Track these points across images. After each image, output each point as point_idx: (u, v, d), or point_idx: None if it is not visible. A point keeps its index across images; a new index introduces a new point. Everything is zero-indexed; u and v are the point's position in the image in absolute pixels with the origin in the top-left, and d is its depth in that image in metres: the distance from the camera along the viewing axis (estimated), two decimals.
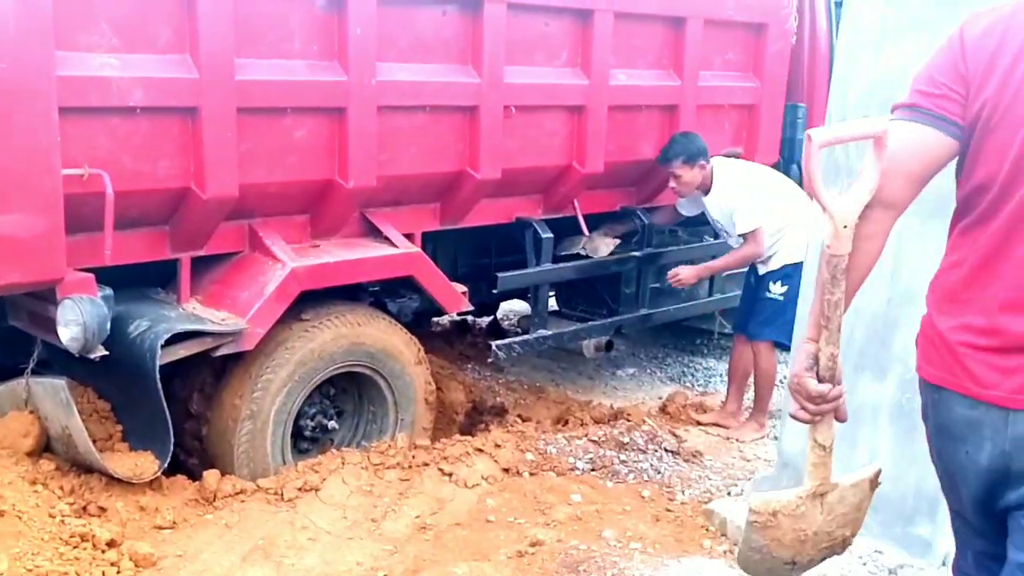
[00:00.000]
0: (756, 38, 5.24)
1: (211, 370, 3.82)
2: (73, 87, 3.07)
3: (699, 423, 5.06)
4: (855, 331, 3.52)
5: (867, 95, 3.41)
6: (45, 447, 3.49)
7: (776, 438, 4.68)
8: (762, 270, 4.85)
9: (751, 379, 5.13)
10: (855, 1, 3.43)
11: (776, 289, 4.78)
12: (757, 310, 4.89)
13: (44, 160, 3.03)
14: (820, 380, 2.11)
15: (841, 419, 2.20)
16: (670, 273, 4.98)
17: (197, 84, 3.33)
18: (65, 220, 3.12)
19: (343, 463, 3.82)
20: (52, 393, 3.35)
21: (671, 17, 4.80)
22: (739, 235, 4.81)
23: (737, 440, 4.87)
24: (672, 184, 4.87)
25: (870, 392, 3.49)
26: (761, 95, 5.34)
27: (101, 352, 3.27)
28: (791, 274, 4.63)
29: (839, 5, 5.57)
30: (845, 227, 2.03)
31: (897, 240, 3.30)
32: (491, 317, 6.42)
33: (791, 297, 4.56)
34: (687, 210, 5.17)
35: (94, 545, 3.03)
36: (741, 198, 4.74)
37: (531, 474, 4.05)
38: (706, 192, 4.86)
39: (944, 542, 3.36)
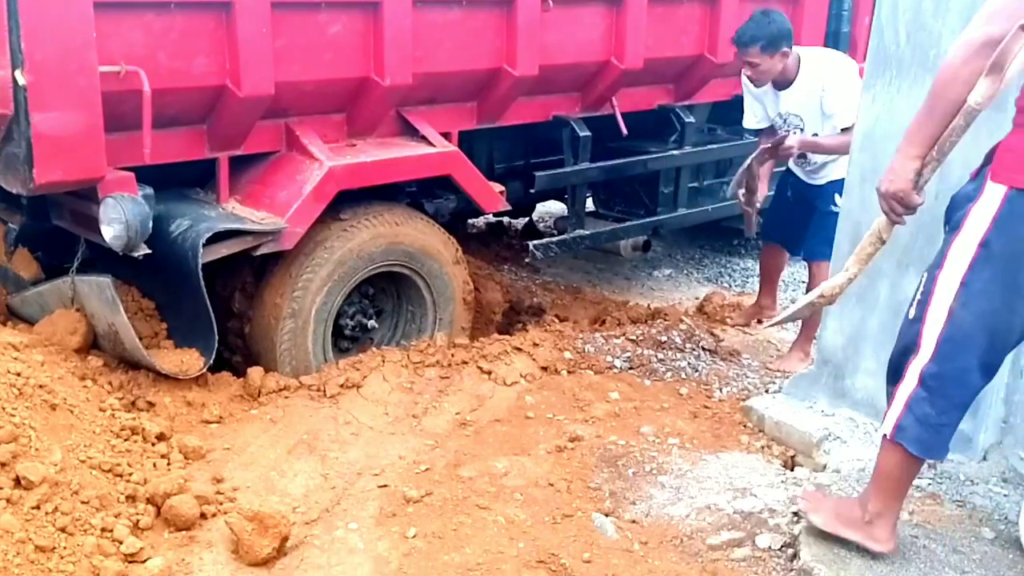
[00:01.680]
0: None
1: (252, 269, 3.85)
2: None
3: (734, 324, 5.02)
4: (899, 227, 3.46)
5: None
6: (92, 344, 3.56)
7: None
8: (821, 180, 4.47)
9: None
10: None
11: (839, 202, 4.45)
12: (821, 226, 4.39)
13: (81, 57, 3.01)
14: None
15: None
16: (776, 140, 4.34)
17: None
18: (103, 118, 3.11)
19: (384, 361, 3.87)
20: (97, 291, 3.40)
21: None
22: (842, 129, 4.28)
23: (783, 371, 4.49)
24: (746, 72, 4.34)
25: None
26: None
27: (144, 250, 3.30)
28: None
29: None
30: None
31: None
32: (527, 218, 6.39)
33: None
34: (756, 117, 4.65)
35: (144, 438, 3.11)
36: (848, 88, 4.22)
37: (569, 372, 4.08)
38: (786, 85, 4.35)
39: (984, 437, 3.36)
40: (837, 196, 4.24)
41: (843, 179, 4.11)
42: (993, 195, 2.40)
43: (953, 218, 2.58)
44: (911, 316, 2.63)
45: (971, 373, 2.49)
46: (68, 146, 3.06)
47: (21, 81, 2.93)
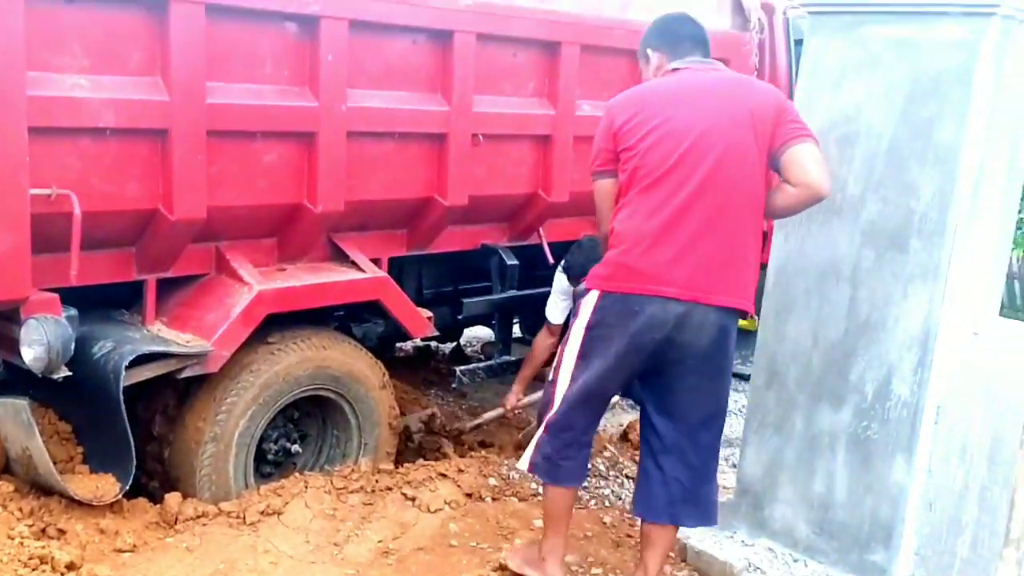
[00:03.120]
0: None
1: (174, 392, 3.81)
2: (43, 107, 3.08)
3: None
4: (813, 360, 3.59)
5: (826, 130, 3.50)
6: (4, 468, 3.46)
7: (735, 466, 4.74)
8: None
9: None
10: (815, 42, 3.53)
11: None
12: None
13: (12, 179, 3.03)
14: None
15: None
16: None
17: (168, 107, 3.35)
18: (31, 239, 3.11)
19: (306, 487, 3.82)
20: (13, 413, 3.33)
21: (635, 51, 4.88)
22: None
23: None
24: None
25: (827, 420, 3.56)
26: None
27: (65, 372, 3.25)
28: None
29: (799, 43, 5.71)
30: None
31: (853, 271, 3.42)
32: (455, 343, 6.45)
33: None
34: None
35: (53, 568, 3.00)
36: None
37: (494, 499, 4.07)
38: None
39: (898, 569, 3.43)
40: None
41: None
42: (592, 296, 3.19)
43: (574, 309, 3.49)
44: (549, 378, 3.40)
45: (579, 420, 3.29)
46: None
47: None
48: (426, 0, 3.98)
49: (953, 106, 3.21)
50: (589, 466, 4.48)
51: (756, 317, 5.70)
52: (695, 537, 3.86)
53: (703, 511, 3.33)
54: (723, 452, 5.14)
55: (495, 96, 4.39)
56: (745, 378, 5.81)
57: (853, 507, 3.52)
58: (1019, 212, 6.93)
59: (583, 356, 3.22)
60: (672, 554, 3.86)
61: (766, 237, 3.39)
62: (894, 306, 3.36)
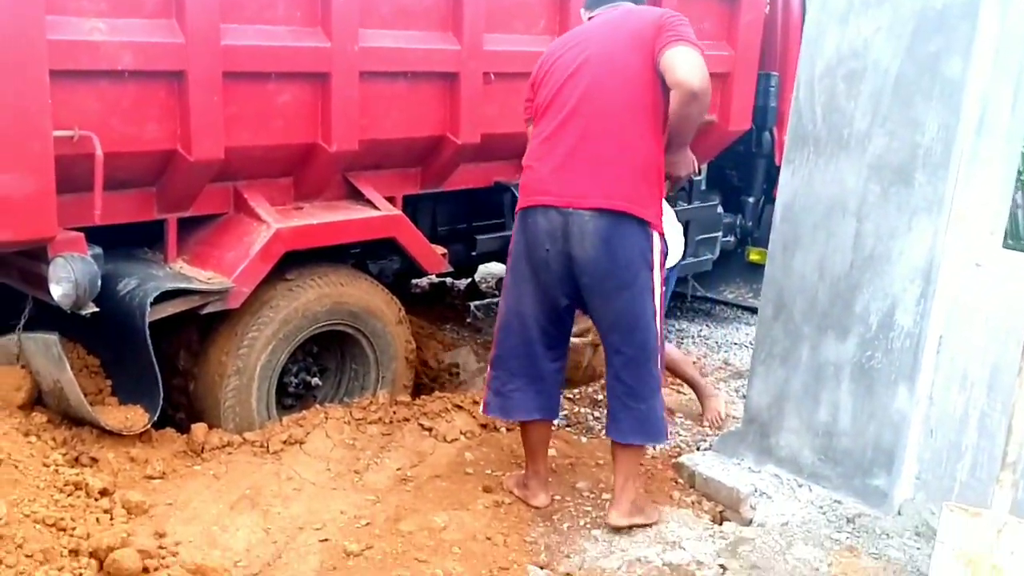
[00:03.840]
0: (730, 8, 5.34)
1: (197, 328, 3.93)
2: (63, 51, 3.15)
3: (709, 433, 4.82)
4: (819, 293, 3.68)
5: (834, 66, 3.55)
6: (37, 400, 3.60)
7: (744, 397, 4.85)
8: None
9: (686, 362, 5.01)
10: None
11: None
12: None
13: (35, 122, 3.11)
14: None
15: None
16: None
17: (183, 48, 3.41)
18: (56, 180, 3.20)
19: (326, 418, 3.95)
20: (44, 348, 3.46)
21: None
22: None
23: (715, 425, 4.72)
24: None
25: (832, 351, 3.66)
26: (735, 63, 5.44)
27: (92, 309, 3.37)
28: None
29: None
30: None
31: (859, 205, 3.48)
32: (470, 279, 6.54)
33: (669, 287, 4.62)
34: None
35: (87, 493, 3.15)
36: None
37: (508, 429, 4.20)
38: None
39: (899, 493, 3.55)
40: None
41: None
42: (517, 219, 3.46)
43: None
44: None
45: (513, 350, 3.50)
46: (21, 207, 3.14)
47: None
48: None
49: (959, 41, 3.24)
50: (601, 397, 4.61)
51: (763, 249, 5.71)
52: (703, 464, 3.99)
53: (641, 427, 3.41)
54: (733, 383, 5.31)
55: (506, 34, 4.42)
56: (754, 311, 5.91)
57: (856, 434, 3.63)
58: None
59: (507, 285, 3.53)
60: (681, 480, 3.99)
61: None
62: (899, 239, 3.43)
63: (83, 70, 3.24)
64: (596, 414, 4.50)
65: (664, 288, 4.38)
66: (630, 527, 3.48)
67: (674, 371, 4.88)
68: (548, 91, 3.37)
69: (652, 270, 3.33)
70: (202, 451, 3.66)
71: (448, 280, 6.48)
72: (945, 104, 3.27)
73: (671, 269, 4.53)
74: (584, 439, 4.29)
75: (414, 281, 6.08)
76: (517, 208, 3.46)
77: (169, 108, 3.47)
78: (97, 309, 3.38)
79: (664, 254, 3.42)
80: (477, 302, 4.90)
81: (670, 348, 4.86)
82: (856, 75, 3.49)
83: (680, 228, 4.64)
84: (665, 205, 4.68)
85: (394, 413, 4.13)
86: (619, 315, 3.35)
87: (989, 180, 3.37)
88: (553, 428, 4.32)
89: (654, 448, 4.33)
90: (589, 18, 3.51)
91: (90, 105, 3.29)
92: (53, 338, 3.42)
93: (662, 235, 3.37)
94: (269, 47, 3.65)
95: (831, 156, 3.57)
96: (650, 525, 3.51)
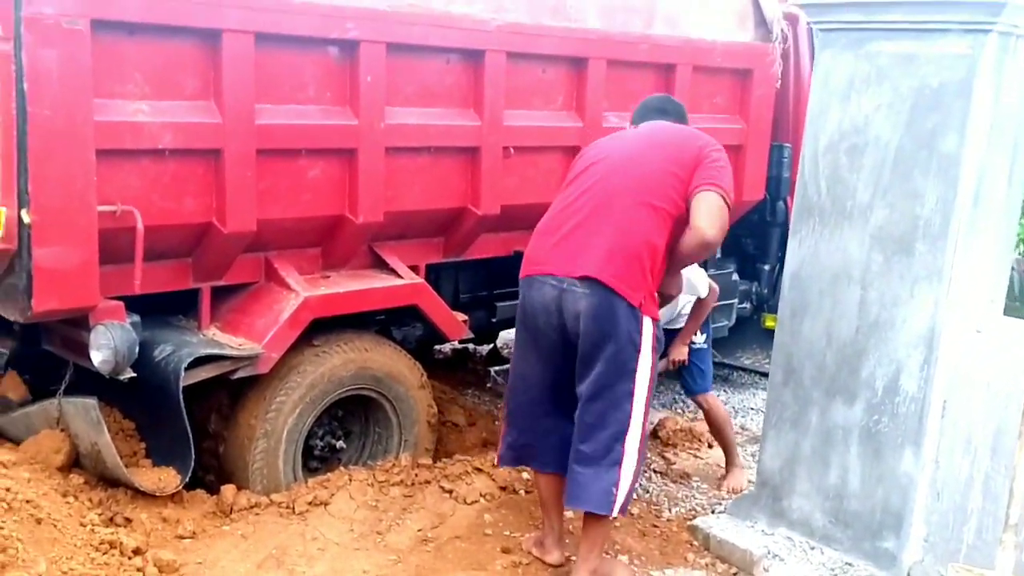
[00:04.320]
0: (742, 83, 5.54)
1: (227, 392, 4.09)
2: (109, 131, 3.37)
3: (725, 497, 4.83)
4: (827, 358, 3.79)
5: (836, 141, 3.71)
6: (75, 462, 3.75)
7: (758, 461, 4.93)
8: (681, 323, 4.76)
9: (729, 427, 5.04)
10: (826, 56, 3.73)
11: (699, 339, 4.82)
12: (693, 362, 4.80)
13: (82, 198, 3.32)
14: None
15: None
16: (672, 362, 4.72)
17: (220, 128, 3.63)
18: (99, 252, 3.40)
19: (350, 480, 4.08)
20: (83, 412, 3.62)
21: (661, 64, 5.10)
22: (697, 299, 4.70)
23: (731, 489, 4.77)
24: None
25: (840, 415, 3.76)
26: (747, 136, 5.62)
27: (130, 374, 3.54)
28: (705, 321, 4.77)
29: None
30: None
31: (863, 274, 3.62)
32: (490, 345, 6.69)
33: (709, 342, 4.85)
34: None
35: (121, 552, 3.29)
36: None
37: (526, 492, 4.30)
38: None
39: (908, 555, 3.62)
40: (697, 333, 4.76)
41: None
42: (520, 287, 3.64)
43: None
44: None
45: (524, 407, 3.69)
46: (65, 278, 3.34)
47: (26, 220, 3.22)
48: (458, 22, 4.23)
49: (955, 118, 3.40)
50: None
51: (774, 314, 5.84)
52: (717, 527, 4.08)
53: (593, 498, 3.44)
54: (749, 448, 5.38)
55: (525, 110, 4.62)
56: (766, 375, 6.01)
57: (866, 497, 3.72)
58: None
59: (514, 347, 3.76)
60: (696, 542, 4.08)
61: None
62: (902, 306, 3.55)
63: (127, 149, 3.45)
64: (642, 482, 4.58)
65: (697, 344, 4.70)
66: None
67: (716, 430, 4.95)
68: (575, 172, 3.64)
69: (638, 352, 3.41)
70: (231, 512, 3.79)
71: (470, 346, 6.62)
72: (943, 178, 3.43)
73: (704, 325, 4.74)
74: (636, 510, 4.37)
75: (436, 347, 6.23)
76: (520, 275, 3.64)
77: (206, 183, 3.68)
78: (135, 375, 3.55)
79: (658, 339, 3.51)
80: (497, 367, 5.03)
81: (721, 407, 4.98)
82: (858, 149, 3.66)
83: (704, 273, 4.78)
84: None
85: (416, 475, 4.25)
86: (594, 387, 3.44)
87: (987, 250, 3.50)
88: None
89: (669, 511, 4.42)
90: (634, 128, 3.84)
91: (132, 181, 3.50)
92: (92, 402, 3.59)
93: (655, 320, 3.47)
94: (300, 125, 3.87)
95: (836, 227, 3.72)
96: None
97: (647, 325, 3.42)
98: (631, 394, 3.44)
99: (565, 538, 3.85)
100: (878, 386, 3.64)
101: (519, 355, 3.71)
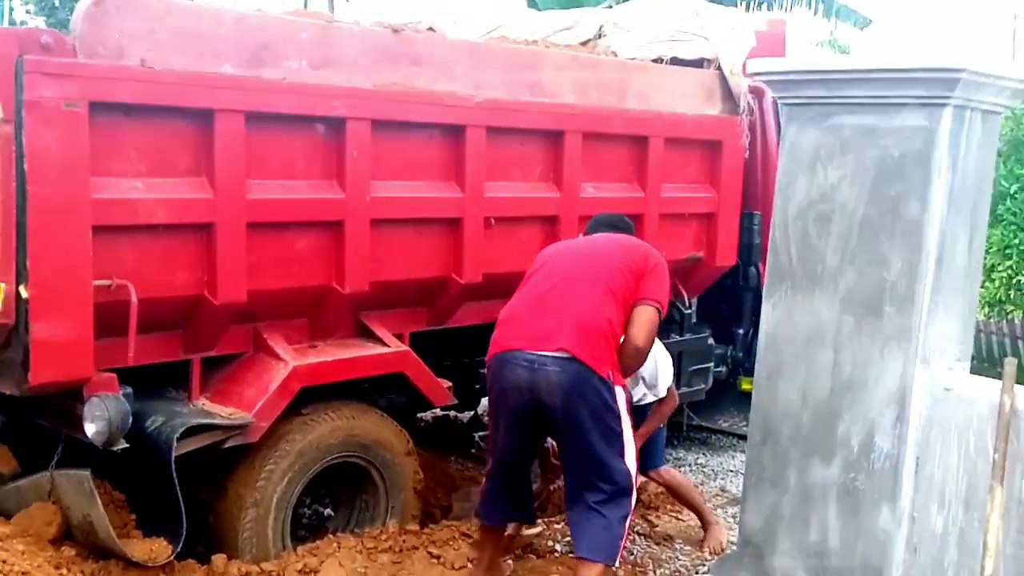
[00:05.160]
0: (712, 154, 5.74)
1: (216, 462, 4.13)
2: (105, 208, 3.48)
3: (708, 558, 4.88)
4: (803, 418, 3.90)
5: (805, 209, 3.87)
6: (66, 535, 3.78)
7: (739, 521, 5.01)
8: (642, 402, 4.71)
9: (695, 489, 5.18)
10: (792, 130, 3.91)
11: None
12: (650, 440, 4.75)
13: (79, 273, 3.42)
14: None
15: None
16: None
17: (213, 203, 3.75)
18: (93, 326, 3.48)
19: (339, 547, 4.13)
20: (76, 484, 3.66)
21: (635, 136, 5.30)
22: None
23: (715, 552, 4.82)
24: None
25: (818, 474, 3.86)
26: (719, 204, 5.82)
27: (123, 445, 3.59)
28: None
29: None
30: None
31: (835, 336, 3.75)
32: (472, 412, 6.75)
33: (663, 423, 4.91)
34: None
35: None
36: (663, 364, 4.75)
37: (514, 558, 4.35)
38: None
39: None
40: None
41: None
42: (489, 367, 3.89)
43: None
44: None
45: (498, 470, 4.00)
46: (61, 351, 3.42)
47: (24, 295, 3.31)
48: (440, 99, 4.40)
49: (916, 185, 3.57)
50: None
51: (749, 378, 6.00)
52: None
53: (600, 546, 3.72)
54: (730, 510, 5.47)
55: (505, 182, 4.78)
56: (744, 437, 6.13)
57: (846, 554, 3.80)
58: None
59: (489, 418, 4.05)
60: None
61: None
62: (873, 367, 3.69)
63: (122, 225, 3.56)
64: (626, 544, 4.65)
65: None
66: None
67: (680, 498, 5.06)
68: (536, 267, 4.01)
69: (618, 416, 3.75)
70: None
71: (452, 413, 6.69)
72: (907, 243, 3.59)
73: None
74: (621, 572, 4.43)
75: (419, 415, 6.28)
76: (488, 356, 3.87)
77: (198, 257, 3.79)
78: (128, 445, 3.61)
79: (630, 402, 3.86)
80: (482, 432, 5.10)
81: (677, 475, 5.08)
82: (825, 217, 3.82)
83: (669, 356, 4.90)
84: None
85: (403, 542, 4.30)
86: (586, 455, 3.74)
87: (952, 311, 3.65)
88: (556, 554, 4.51)
89: (654, 573, 4.48)
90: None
91: (127, 256, 3.60)
92: (85, 474, 3.63)
93: (624, 387, 3.83)
94: (289, 199, 4.00)
95: (807, 291, 3.86)
96: None
97: (619, 392, 3.77)
98: (622, 454, 3.75)
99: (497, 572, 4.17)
100: (853, 444, 3.75)
101: (493, 426, 4.00)
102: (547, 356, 3.66)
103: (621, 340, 3.83)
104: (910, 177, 3.58)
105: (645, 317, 3.82)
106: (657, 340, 4.80)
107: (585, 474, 3.76)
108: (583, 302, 3.76)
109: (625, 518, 3.77)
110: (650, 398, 4.73)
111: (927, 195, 3.55)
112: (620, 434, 3.75)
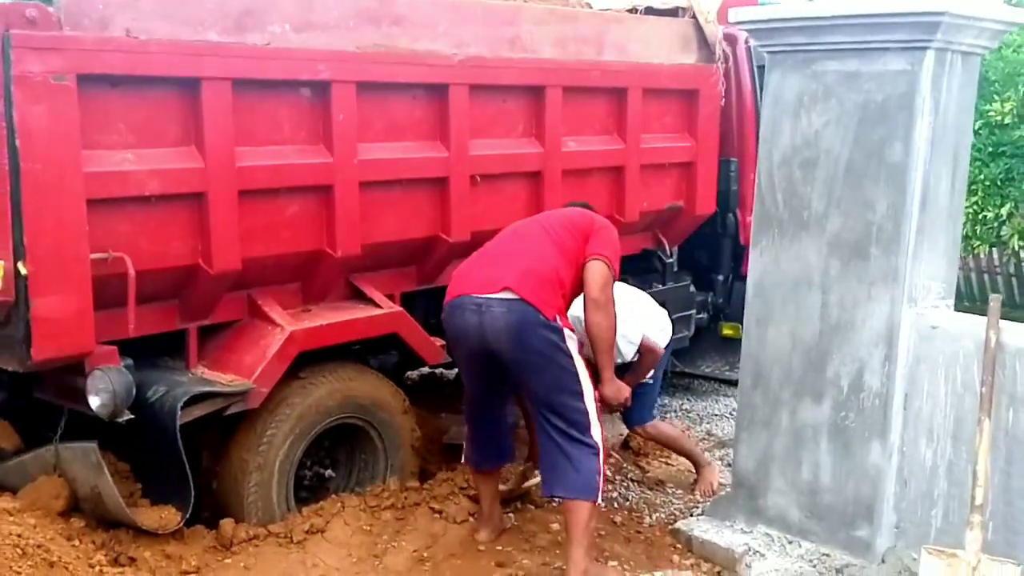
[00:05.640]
0: (689, 103, 5.78)
1: (217, 429, 4.17)
2: (98, 181, 3.47)
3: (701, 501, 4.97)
4: (793, 361, 4.01)
5: (790, 156, 3.94)
6: (73, 507, 3.80)
7: (729, 465, 5.15)
8: (632, 359, 4.79)
9: (684, 437, 5.31)
10: (775, 77, 3.97)
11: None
12: (639, 395, 4.74)
13: (76, 247, 3.41)
14: None
15: None
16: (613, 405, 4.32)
17: (203, 172, 3.74)
18: (92, 299, 3.49)
19: (343, 507, 4.19)
20: (82, 456, 3.68)
21: (614, 88, 5.32)
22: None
23: (707, 495, 4.91)
24: None
25: (809, 414, 3.98)
26: (696, 153, 5.87)
27: (128, 416, 3.62)
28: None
29: (761, 68, 6.17)
30: None
31: (822, 279, 3.85)
32: (457, 369, 6.81)
33: (657, 378, 4.99)
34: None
35: None
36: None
37: (514, 510, 4.45)
38: None
39: (881, 542, 3.84)
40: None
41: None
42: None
43: None
44: None
45: (471, 416, 4.19)
46: (62, 326, 3.42)
47: (23, 271, 3.30)
48: (423, 59, 4.40)
49: (899, 129, 3.65)
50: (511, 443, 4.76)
51: (739, 325, 6.15)
52: (698, 528, 4.27)
53: (570, 483, 3.76)
54: (717, 452, 5.60)
55: (489, 139, 4.79)
56: (733, 383, 6.26)
57: (838, 490, 3.94)
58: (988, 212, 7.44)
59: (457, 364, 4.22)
60: (679, 545, 4.26)
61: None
62: (861, 308, 3.79)
63: (115, 197, 3.55)
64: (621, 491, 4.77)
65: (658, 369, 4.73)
66: None
67: (671, 448, 5.17)
68: (494, 235, 4.16)
69: (569, 356, 3.77)
70: (231, 545, 3.88)
71: (439, 370, 6.75)
72: (892, 185, 3.67)
73: (664, 348, 4.87)
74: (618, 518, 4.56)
75: (408, 373, 6.34)
76: (443, 305, 3.97)
77: (191, 226, 3.78)
78: (132, 416, 3.63)
79: (580, 343, 3.87)
80: None
81: (663, 428, 5.17)
82: (810, 163, 3.89)
83: (664, 312, 4.98)
84: (643, 294, 5.06)
85: (405, 498, 4.37)
86: (543, 392, 3.80)
87: (936, 250, 3.76)
88: (554, 504, 4.61)
89: (650, 517, 4.61)
90: None
91: (122, 228, 3.59)
92: (92, 446, 3.65)
93: (572, 330, 3.84)
94: (279, 165, 3.99)
95: (794, 236, 3.95)
96: None
97: (568, 334, 3.79)
98: (581, 394, 3.78)
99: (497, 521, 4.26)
100: (843, 384, 3.87)
101: (461, 371, 4.18)
102: (493, 298, 3.75)
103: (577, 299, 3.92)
104: (893, 121, 3.66)
105: (596, 271, 3.85)
106: (650, 298, 4.92)
107: (545, 415, 3.79)
108: (530, 252, 3.89)
109: (595, 454, 3.75)
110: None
111: (910, 138, 3.63)
112: (575, 374, 3.76)
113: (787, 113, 3.95)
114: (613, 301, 3.88)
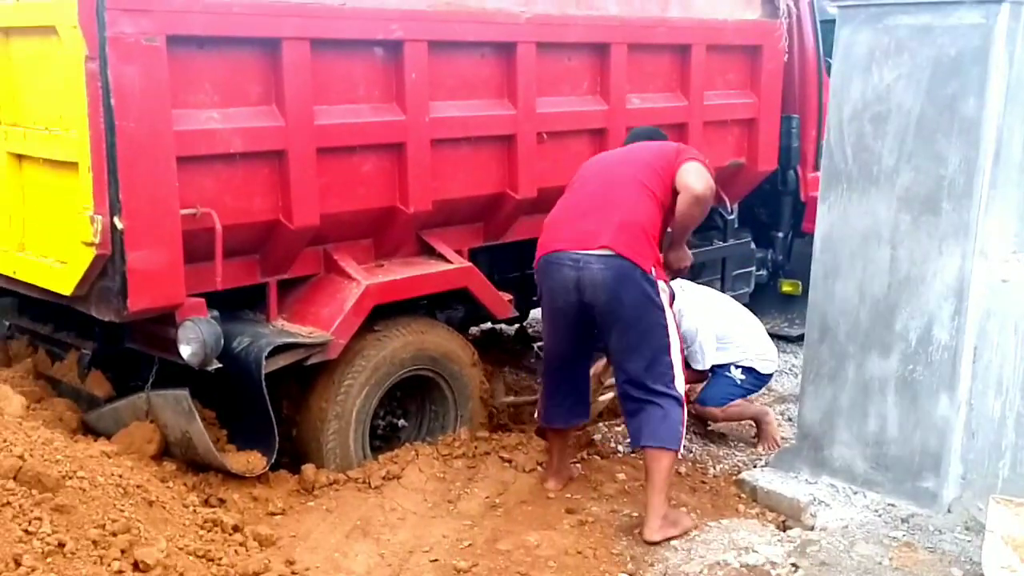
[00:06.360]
0: (753, 59, 5.78)
1: (296, 379, 4.32)
2: (187, 139, 3.60)
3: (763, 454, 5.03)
4: (860, 315, 4.05)
5: (860, 110, 3.96)
6: (164, 451, 3.99)
7: (790, 419, 5.22)
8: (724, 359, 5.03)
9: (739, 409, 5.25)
10: (846, 32, 3.97)
11: (735, 373, 5.06)
12: (718, 381, 5.05)
13: (167, 202, 3.55)
14: None
15: None
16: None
17: (284, 130, 3.86)
18: (183, 253, 3.63)
19: (417, 455, 4.34)
20: (174, 403, 3.86)
21: (677, 45, 5.34)
22: None
23: (770, 449, 4.96)
24: None
25: (876, 367, 4.03)
26: (759, 109, 5.88)
27: (216, 365, 3.77)
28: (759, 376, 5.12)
29: (823, 23, 6.14)
30: None
31: (892, 234, 3.88)
32: (518, 325, 6.92)
33: (746, 385, 5.06)
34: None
35: (223, 529, 3.53)
36: None
37: (581, 459, 4.56)
38: None
39: (947, 493, 3.90)
40: (733, 368, 5.03)
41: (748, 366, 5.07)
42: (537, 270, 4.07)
43: None
44: None
45: (551, 375, 4.23)
46: (155, 278, 3.57)
47: (119, 226, 3.45)
48: (492, 17, 4.46)
49: (973, 83, 3.66)
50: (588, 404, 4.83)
51: (799, 282, 6.20)
52: (763, 479, 4.35)
53: (655, 433, 3.85)
54: (777, 408, 5.66)
55: (555, 97, 4.86)
56: (792, 339, 6.31)
57: (904, 442, 3.99)
58: None
59: (543, 322, 4.20)
60: (743, 495, 4.35)
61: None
62: (931, 262, 3.82)
63: (202, 155, 3.68)
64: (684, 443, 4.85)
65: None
66: (665, 540, 3.83)
67: (735, 418, 5.22)
68: (577, 178, 4.17)
69: (661, 309, 3.87)
70: (313, 489, 4.04)
71: (500, 326, 6.86)
72: (964, 140, 3.68)
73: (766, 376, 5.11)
74: (683, 468, 4.64)
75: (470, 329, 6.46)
76: (536, 258, 4.02)
77: (272, 183, 3.91)
78: (220, 365, 3.79)
79: (672, 296, 4.00)
80: (539, 343, 5.27)
81: (726, 409, 5.11)
82: (881, 117, 3.91)
83: (771, 342, 5.22)
84: (747, 313, 5.27)
85: (475, 448, 4.51)
86: (634, 343, 3.88)
87: (1008, 205, 3.77)
88: (619, 455, 4.73)
89: (714, 468, 4.70)
90: None
91: (208, 185, 3.73)
92: (184, 393, 3.82)
93: (666, 281, 3.98)
94: (354, 123, 4.10)
95: (863, 191, 3.98)
96: (685, 534, 3.88)
97: (662, 286, 3.90)
98: (668, 348, 3.89)
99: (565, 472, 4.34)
100: (912, 338, 3.91)
101: (546, 330, 4.20)
102: (591, 255, 3.80)
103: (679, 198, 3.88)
104: (967, 75, 3.66)
105: (690, 169, 3.86)
106: (760, 324, 5.24)
107: (634, 368, 3.89)
108: (621, 201, 3.89)
109: (680, 404, 3.89)
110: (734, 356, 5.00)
111: (984, 92, 3.64)
112: (664, 327, 3.88)
113: (857, 68, 3.96)
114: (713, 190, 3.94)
